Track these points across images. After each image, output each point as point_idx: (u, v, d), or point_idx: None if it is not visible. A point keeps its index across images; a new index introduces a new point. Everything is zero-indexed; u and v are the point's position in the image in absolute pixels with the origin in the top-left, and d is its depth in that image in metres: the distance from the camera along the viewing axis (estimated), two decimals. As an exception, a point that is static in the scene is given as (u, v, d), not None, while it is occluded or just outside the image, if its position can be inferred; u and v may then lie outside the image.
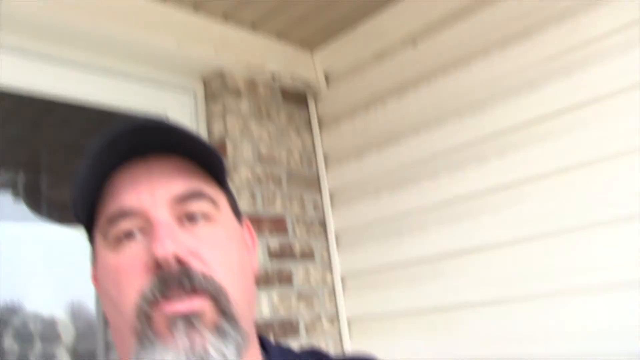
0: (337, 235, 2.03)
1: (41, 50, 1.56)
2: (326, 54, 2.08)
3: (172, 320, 0.62)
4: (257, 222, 1.83)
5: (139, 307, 0.63)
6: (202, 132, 1.88)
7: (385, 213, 1.88)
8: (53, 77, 1.58)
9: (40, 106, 1.81)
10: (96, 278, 0.75)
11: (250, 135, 1.89)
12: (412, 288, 1.79)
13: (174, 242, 0.63)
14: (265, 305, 1.78)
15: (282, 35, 1.98)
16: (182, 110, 1.85)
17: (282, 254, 1.88)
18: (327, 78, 2.09)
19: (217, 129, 1.86)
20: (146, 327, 0.62)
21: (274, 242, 1.86)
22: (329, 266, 2.01)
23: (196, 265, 0.64)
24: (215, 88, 1.89)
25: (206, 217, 0.68)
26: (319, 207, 2.05)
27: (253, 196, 1.84)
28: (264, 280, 1.79)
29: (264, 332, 1.74)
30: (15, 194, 2.29)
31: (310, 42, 2.06)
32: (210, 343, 0.62)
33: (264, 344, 0.79)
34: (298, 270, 1.91)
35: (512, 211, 1.59)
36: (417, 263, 1.78)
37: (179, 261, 0.63)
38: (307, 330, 1.87)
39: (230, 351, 0.63)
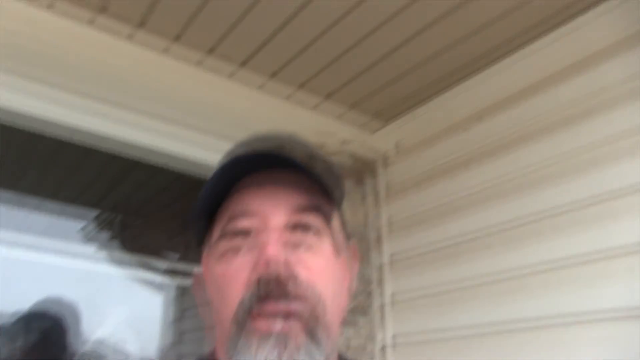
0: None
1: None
2: (397, 125, 2.19)
3: (270, 319, 0.65)
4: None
5: (238, 315, 0.66)
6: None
7: (441, 280, 1.90)
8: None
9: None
10: (196, 288, 0.81)
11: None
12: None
13: (285, 247, 0.68)
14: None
15: (354, 105, 2.11)
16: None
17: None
18: (396, 148, 2.19)
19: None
20: (240, 337, 0.66)
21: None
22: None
23: (301, 273, 0.68)
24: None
25: (317, 231, 0.72)
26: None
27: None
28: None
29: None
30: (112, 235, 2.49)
31: (382, 114, 2.17)
32: (303, 346, 0.65)
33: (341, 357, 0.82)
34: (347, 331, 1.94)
35: (561, 290, 1.57)
36: (470, 332, 1.77)
37: (286, 265, 0.67)
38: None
39: (318, 358, 0.66)
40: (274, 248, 0.67)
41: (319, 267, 0.71)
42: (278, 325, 0.65)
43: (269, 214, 0.70)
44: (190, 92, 1.82)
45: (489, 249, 1.78)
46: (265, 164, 0.71)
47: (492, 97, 1.88)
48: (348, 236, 0.81)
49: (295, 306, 0.66)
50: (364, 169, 2.19)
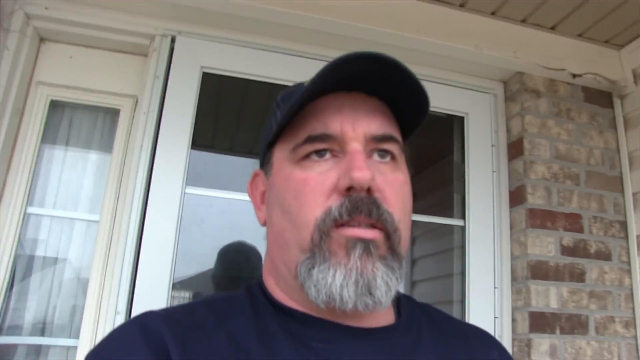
0: (639, 238, 1.95)
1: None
2: (634, 51, 2.02)
3: (351, 242, 0.66)
4: (551, 217, 1.89)
5: (322, 222, 0.67)
6: (500, 131, 2.03)
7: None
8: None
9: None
10: (254, 190, 0.83)
11: (549, 134, 1.96)
12: None
13: (371, 172, 0.67)
14: (554, 298, 1.83)
15: (583, 35, 1.99)
16: (482, 111, 2.03)
17: (575, 250, 1.90)
18: (635, 77, 2.02)
19: (515, 127, 1.98)
20: (324, 242, 0.67)
21: (568, 238, 1.90)
22: (627, 269, 1.95)
23: (381, 199, 0.68)
24: (515, 89, 2.01)
25: (393, 158, 0.74)
26: (620, 209, 2.00)
27: (548, 192, 1.91)
28: (553, 274, 1.85)
29: (550, 322, 1.81)
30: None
31: (616, 41, 2.02)
32: (380, 271, 0.67)
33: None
34: (592, 269, 1.91)
35: None
36: None
37: (370, 191, 0.67)
38: (597, 329, 1.86)
39: (393, 283, 0.68)
40: (361, 174, 0.66)
41: (396, 196, 0.71)
42: (357, 252, 0.66)
43: (349, 138, 0.70)
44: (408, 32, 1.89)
45: None
46: (347, 79, 0.70)
47: None
48: (409, 168, 0.80)
49: (375, 234, 0.67)
50: (599, 100, 2.08)
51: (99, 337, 1.57)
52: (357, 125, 0.70)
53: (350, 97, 0.73)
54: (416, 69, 1.98)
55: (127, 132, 1.79)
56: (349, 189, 0.67)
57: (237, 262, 1.91)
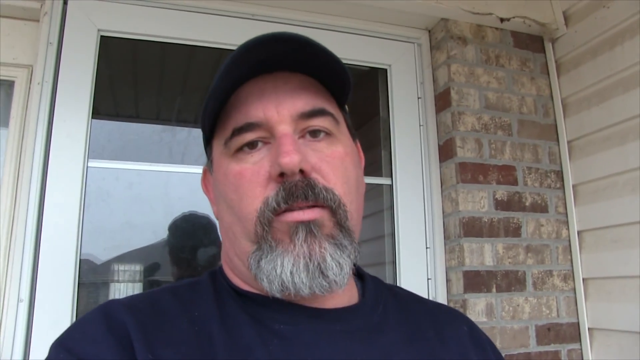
0: (575, 188, 1.86)
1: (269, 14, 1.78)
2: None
3: (293, 228, 0.66)
4: (483, 171, 1.79)
5: (262, 214, 0.66)
6: (427, 83, 1.91)
7: (632, 165, 1.66)
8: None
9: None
10: (207, 183, 0.82)
11: (477, 83, 1.85)
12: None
13: (299, 154, 0.66)
14: (489, 255, 1.74)
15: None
16: (406, 62, 1.91)
17: (510, 204, 1.81)
18: (566, 19, 1.91)
19: (442, 78, 1.87)
20: (267, 233, 0.66)
21: (501, 192, 1.80)
22: (565, 220, 1.86)
23: (317, 178, 0.67)
24: (440, 37, 1.89)
25: (327, 133, 0.71)
26: (555, 158, 1.90)
27: (479, 144, 1.81)
28: (488, 230, 1.76)
29: (486, 281, 1.72)
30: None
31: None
32: (328, 251, 0.66)
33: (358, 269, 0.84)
34: (528, 222, 1.82)
35: None
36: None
37: (303, 173, 0.66)
38: (535, 285, 1.77)
39: (345, 261, 0.67)
40: (289, 159, 0.65)
41: (335, 171, 0.69)
42: (301, 236, 0.65)
43: (275, 123, 0.68)
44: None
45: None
46: (264, 62, 0.69)
47: None
48: (353, 134, 0.79)
49: (316, 213, 0.66)
50: (529, 45, 1.97)
51: (3, 328, 1.43)
52: (282, 107, 0.69)
53: (271, 78, 0.71)
54: (335, 21, 1.86)
55: (24, 104, 1.62)
56: (282, 175, 0.66)
57: (189, 231, 1.81)
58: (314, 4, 1.77)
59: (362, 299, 0.78)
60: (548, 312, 1.78)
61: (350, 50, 1.83)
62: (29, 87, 1.63)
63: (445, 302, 1.75)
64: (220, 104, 0.71)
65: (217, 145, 0.74)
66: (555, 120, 1.92)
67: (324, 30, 1.82)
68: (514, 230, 1.79)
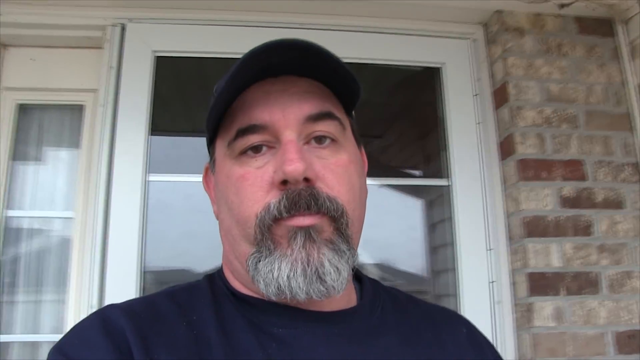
0: (656, 181, 1.70)
1: (324, 22, 1.81)
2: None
3: (292, 232, 0.66)
4: (547, 167, 1.70)
5: (262, 220, 0.66)
6: (483, 79, 1.84)
7: None
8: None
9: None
10: (209, 183, 0.83)
11: (537, 75, 1.76)
12: None
13: (304, 162, 0.65)
14: (556, 256, 1.64)
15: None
16: (460, 59, 1.85)
17: (578, 201, 1.69)
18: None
19: (499, 72, 1.79)
20: (266, 237, 0.66)
21: (568, 188, 1.69)
22: (644, 217, 1.71)
23: (321, 187, 0.67)
24: (495, 30, 1.82)
25: (333, 140, 0.71)
26: (631, 149, 1.75)
27: (541, 139, 1.72)
28: (553, 229, 1.66)
29: (553, 283, 1.62)
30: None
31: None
32: (327, 257, 0.66)
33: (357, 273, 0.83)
34: (600, 220, 1.69)
35: None
36: None
37: (307, 181, 0.66)
38: (611, 287, 1.64)
39: (343, 267, 0.67)
40: (293, 166, 0.64)
41: (339, 178, 0.69)
42: (299, 241, 0.65)
43: (280, 127, 0.68)
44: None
45: None
46: (272, 67, 0.69)
47: None
48: (359, 141, 0.78)
49: (316, 220, 0.66)
50: (597, 29, 1.83)
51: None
52: (288, 110, 0.68)
53: (278, 82, 0.71)
54: (386, 23, 1.86)
55: (91, 126, 1.79)
56: (285, 182, 0.66)
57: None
58: (365, 5, 1.78)
59: (360, 302, 0.78)
60: (629, 316, 1.64)
61: (401, 51, 1.81)
62: (95, 110, 1.79)
63: (510, 306, 1.68)
64: (226, 105, 0.71)
65: (221, 146, 0.74)
66: (628, 109, 1.77)
67: (372, 34, 1.82)
68: (584, 229, 1.67)
